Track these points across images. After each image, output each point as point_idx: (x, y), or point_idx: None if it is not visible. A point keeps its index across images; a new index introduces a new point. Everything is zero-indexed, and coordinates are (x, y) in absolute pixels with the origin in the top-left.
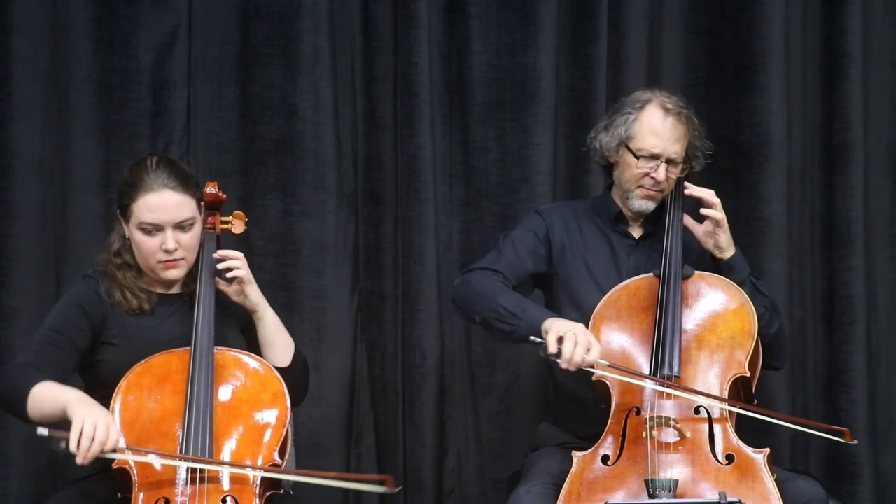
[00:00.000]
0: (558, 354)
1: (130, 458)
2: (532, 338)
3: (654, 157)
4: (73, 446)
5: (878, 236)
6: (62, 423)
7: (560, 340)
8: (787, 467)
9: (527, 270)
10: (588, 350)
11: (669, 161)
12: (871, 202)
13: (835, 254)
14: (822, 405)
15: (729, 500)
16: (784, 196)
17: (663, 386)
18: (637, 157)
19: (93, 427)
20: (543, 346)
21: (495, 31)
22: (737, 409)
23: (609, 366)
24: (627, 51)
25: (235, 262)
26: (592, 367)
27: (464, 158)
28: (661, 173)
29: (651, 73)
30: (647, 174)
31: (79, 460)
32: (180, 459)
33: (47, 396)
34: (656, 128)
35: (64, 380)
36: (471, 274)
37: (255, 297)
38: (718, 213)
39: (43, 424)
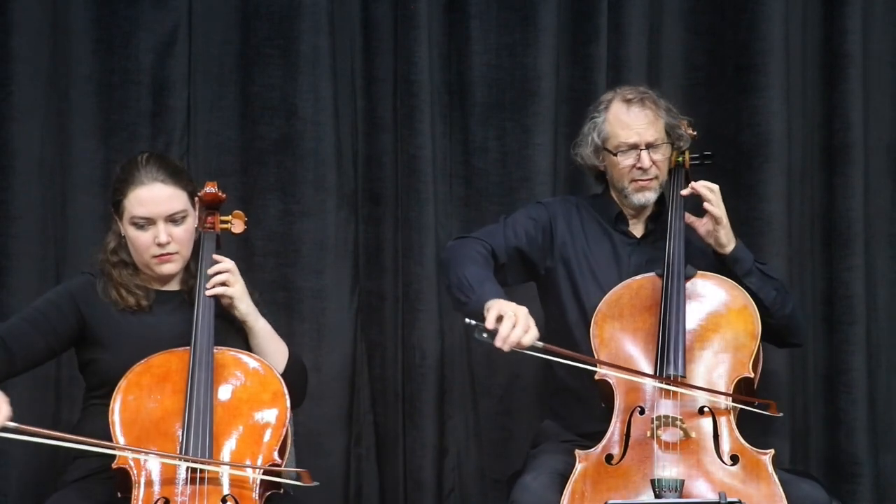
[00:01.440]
0: (494, 334)
1: (16, 437)
2: (466, 320)
3: (633, 147)
4: None
5: (878, 236)
6: None
7: (499, 319)
8: (787, 468)
9: (519, 248)
10: (525, 332)
11: (650, 146)
12: (871, 202)
13: (835, 254)
14: (822, 405)
15: (729, 500)
16: (784, 196)
17: (603, 369)
18: (616, 154)
19: None
20: (479, 327)
21: (495, 31)
22: (689, 392)
23: (544, 348)
24: (627, 51)
25: (222, 276)
26: (528, 350)
27: (464, 158)
28: (645, 160)
29: (651, 73)
30: (633, 166)
31: None
32: (51, 438)
33: None
34: (623, 120)
35: (32, 361)
36: (461, 239)
37: (243, 309)
38: (715, 210)
39: None
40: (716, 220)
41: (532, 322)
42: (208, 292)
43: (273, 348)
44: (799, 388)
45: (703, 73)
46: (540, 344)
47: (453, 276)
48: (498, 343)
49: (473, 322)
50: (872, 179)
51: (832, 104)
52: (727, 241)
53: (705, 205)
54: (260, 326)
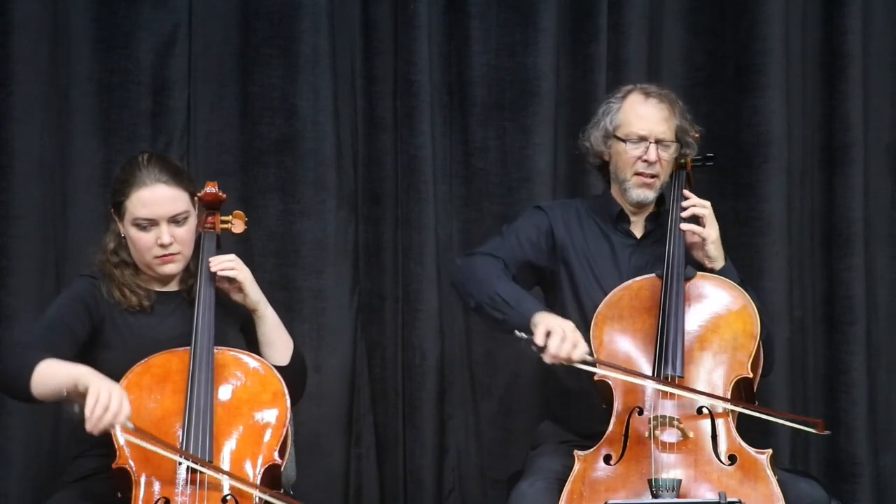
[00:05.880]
0: (543, 348)
1: (133, 440)
2: (517, 332)
3: (643, 139)
4: (87, 411)
5: (878, 236)
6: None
7: (548, 335)
8: (787, 467)
9: (526, 258)
10: (574, 347)
11: (658, 142)
12: (871, 202)
13: (835, 254)
14: (822, 405)
15: (729, 500)
16: (784, 196)
17: (660, 384)
18: (626, 142)
19: (108, 397)
20: (529, 339)
21: (495, 31)
22: (731, 407)
23: (595, 362)
24: (627, 51)
25: (228, 263)
26: (578, 364)
27: (464, 158)
28: (652, 154)
29: (651, 73)
30: (639, 158)
31: (88, 427)
32: (181, 455)
33: (56, 371)
34: (639, 111)
35: None
36: (474, 257)
37: (254, 295)
38: (705, 232)
39: (47, 402)
40: (703, 237)
41: (580, 336)
42: (212, 266)
43: (281, 338)
44: (799, 388)
45: (703, 73)
46: (590, 358)
47: (483, 295)
48: (547, 359)
49: (525, 335)
50: (872, 179)
51: (832, 104)
52: (717, 256)
53: (683, 224)
54: (270, 314)
